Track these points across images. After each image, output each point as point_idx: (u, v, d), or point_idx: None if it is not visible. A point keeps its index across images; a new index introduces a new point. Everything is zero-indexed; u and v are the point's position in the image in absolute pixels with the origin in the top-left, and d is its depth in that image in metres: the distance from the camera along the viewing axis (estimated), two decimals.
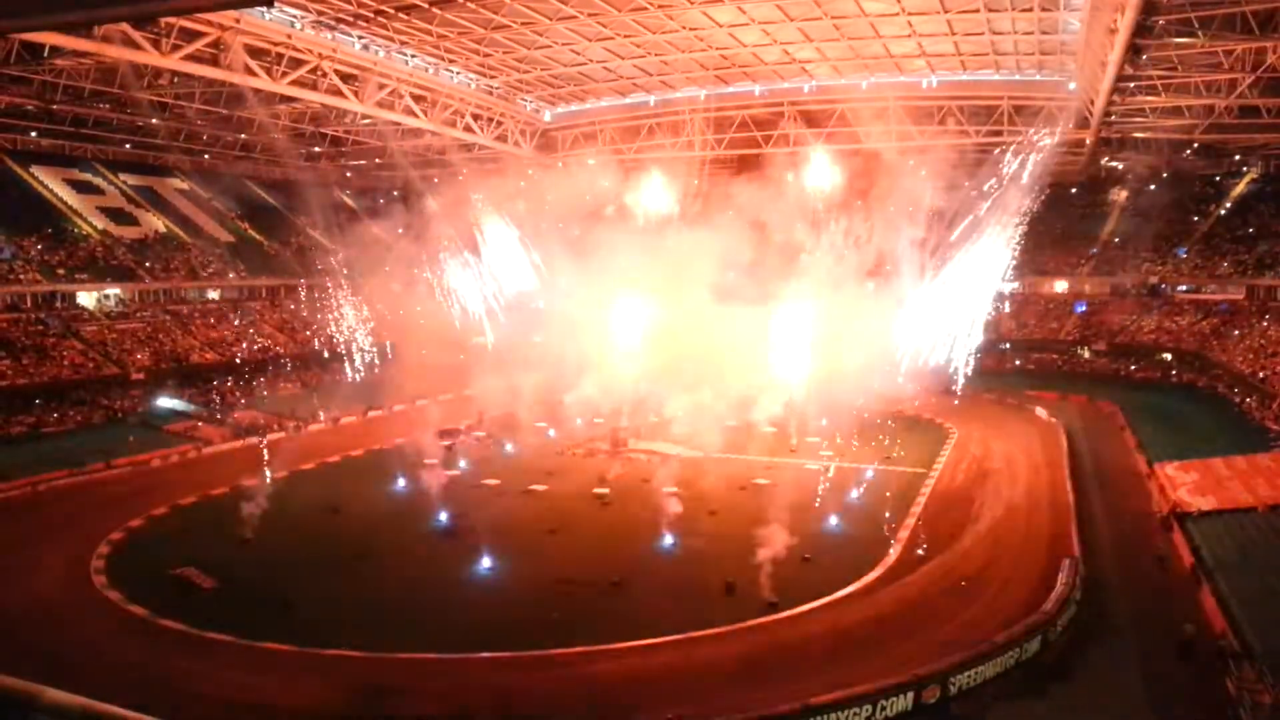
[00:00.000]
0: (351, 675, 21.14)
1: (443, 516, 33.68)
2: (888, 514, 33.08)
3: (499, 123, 69.23)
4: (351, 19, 50.04)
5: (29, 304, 55.83)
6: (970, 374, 62.60)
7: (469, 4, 47.36)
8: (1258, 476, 33.74)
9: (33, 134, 62.64)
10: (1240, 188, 71.29)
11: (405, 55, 57.02)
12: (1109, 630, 23.27)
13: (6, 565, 27.90)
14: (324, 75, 51.83)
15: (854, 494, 36.82)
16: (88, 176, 67.73)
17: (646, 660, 22.06)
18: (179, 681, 20.37)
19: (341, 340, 63.46)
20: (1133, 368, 64.90)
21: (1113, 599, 25.27)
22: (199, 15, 41.25)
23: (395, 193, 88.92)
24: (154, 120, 61.65)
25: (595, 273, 50.84)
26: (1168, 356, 64.53)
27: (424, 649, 22.34)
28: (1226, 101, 48.33)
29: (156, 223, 68.39)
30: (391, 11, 48.50)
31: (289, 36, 48.77)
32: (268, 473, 37.77)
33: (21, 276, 55.48)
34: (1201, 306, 66.73)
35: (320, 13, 48.66)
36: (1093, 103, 53.55)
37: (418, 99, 59.49)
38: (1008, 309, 75.01)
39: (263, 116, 58.91)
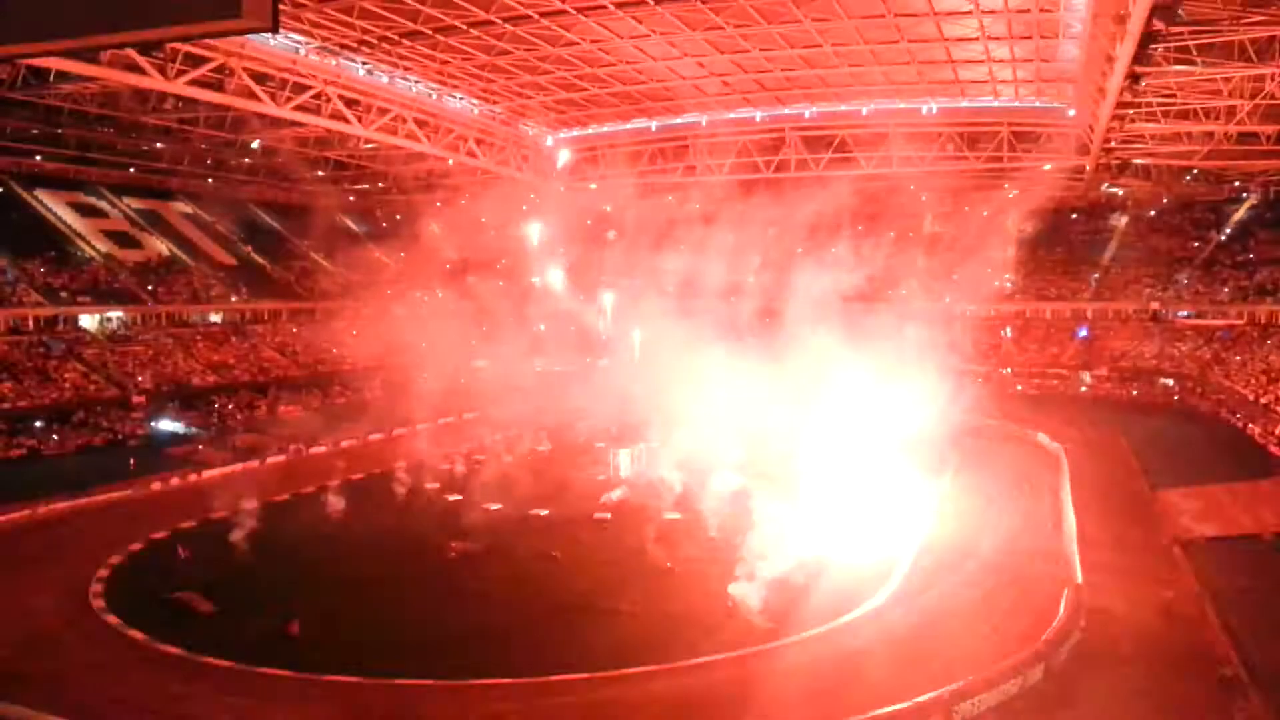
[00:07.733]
0: (352, 702, 20.96)
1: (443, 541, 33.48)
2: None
3: (501, 147, 69.65)
4: (355, 45, 50.52)
5: (31, 326, 55.94)
6: (971, 399, 62.31)
7: (471, 31, 47.76)
8: (1261, 503, 33.62)
9: (37, 157, 63.08)
10: (1240, 214, 71.58)
11: (409, 81, 57.48)
12: (1112, 658, 23.08)
13: (4, 589, 27.74)
14: (327, 100, 52.24)
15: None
16: (92, 200, 68.09)
17: (645, 687, 21.86)
18: (177, 708, 20.20)
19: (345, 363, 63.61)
20: (1134, 393, 64.74)
21: (1116, 626, 25.05)
22: (203, 41, 41.60)
23: (398, 216, 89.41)
24: (158, 144, 62.13)
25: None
26: (1169, 382, 64.44)
27: (424, 675, 22.17)
28: (1226, 128, 48.63)
29: (160, 246, 68.69)
30: (395, 38, 48.97)
31: (293, 62, 49.28)
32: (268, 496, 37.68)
33: (24, 299, 55.64)
34: (1203, 332, 66.78)
35: (324, 39, 49.16)
36: (1092, 129, 53.83)
37: (420, 124, 59.90)
38: (1009, 334, 75.11)
39: (266, 141, 59.35)
